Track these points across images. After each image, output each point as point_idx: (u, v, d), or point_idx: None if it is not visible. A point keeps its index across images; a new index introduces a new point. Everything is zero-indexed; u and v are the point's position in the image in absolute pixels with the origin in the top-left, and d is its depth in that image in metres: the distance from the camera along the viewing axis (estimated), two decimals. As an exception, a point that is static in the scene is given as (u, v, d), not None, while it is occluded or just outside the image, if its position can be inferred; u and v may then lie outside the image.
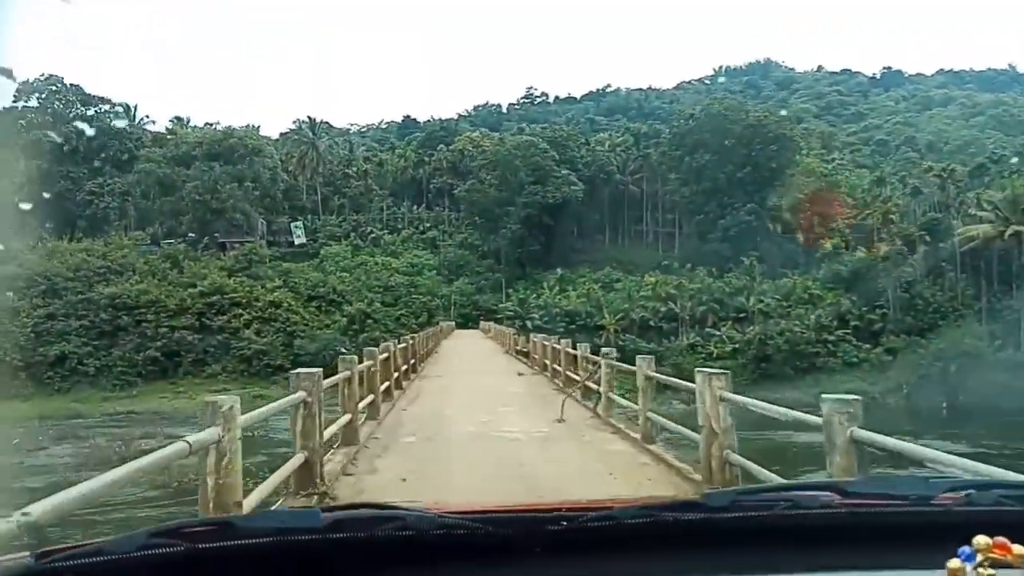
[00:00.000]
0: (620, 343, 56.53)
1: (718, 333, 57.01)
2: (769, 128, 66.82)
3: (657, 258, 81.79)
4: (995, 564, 0.97)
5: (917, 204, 59.69)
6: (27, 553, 1.10)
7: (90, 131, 65.48)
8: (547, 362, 20.21)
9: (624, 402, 11.34)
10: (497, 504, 1.35)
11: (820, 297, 56.48)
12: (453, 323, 57.72)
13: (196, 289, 57.39)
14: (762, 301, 57.31)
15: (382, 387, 13.14)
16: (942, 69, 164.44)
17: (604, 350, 13.24)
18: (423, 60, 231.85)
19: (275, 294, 59.54)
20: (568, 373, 16.58)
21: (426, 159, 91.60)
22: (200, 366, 53.96)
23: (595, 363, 13.56)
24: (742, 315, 59.00)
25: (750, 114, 68.60)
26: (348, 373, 9.28)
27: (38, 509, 2.13)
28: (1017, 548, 0.98)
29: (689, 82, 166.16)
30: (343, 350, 55.85)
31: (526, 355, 26.45)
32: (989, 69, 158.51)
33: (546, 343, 21.34)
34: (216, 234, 74.45)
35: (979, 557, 0.98)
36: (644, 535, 1.18)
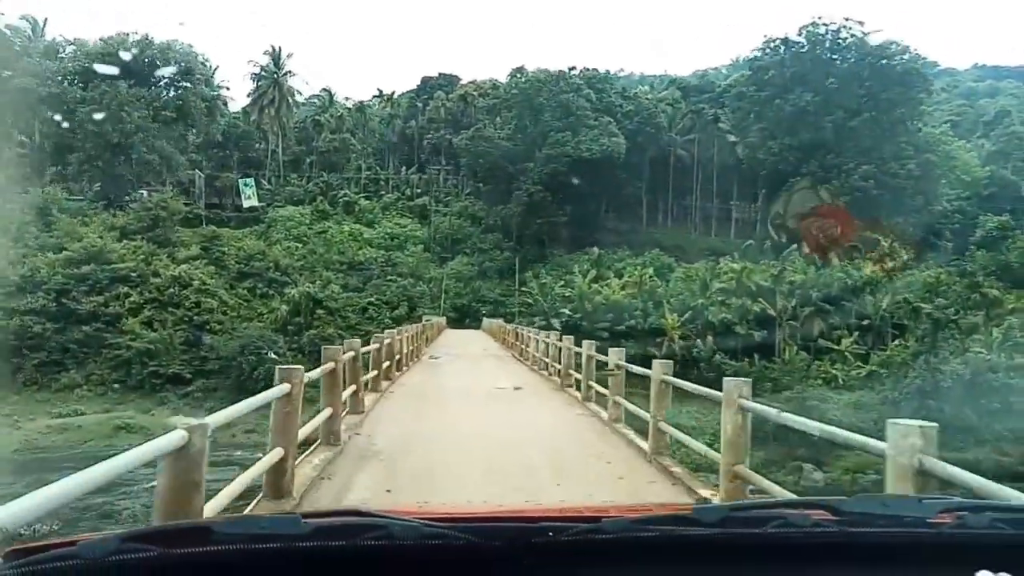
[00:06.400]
0: (691, 355, 38.29)
1: (837, 347, 38.47)
2: (894, 61, 47.87)
3: (709, 243, 63.94)
4: None
5: None
6: None
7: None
8: None
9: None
10: (484, 510, 1.27)
11: (996, 300, 37.74)
12: (443, 319, 38.94)
13: (61, 255, 38.54)
14: (907, 303, 38.67)
15: None
16: (976, 64, 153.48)
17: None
18: (425, 47, 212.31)
19: (184, 267, 40.71)
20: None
21: (419, 104, 72.37)
22: (51, 372, 35.17)
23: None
24: (864, 322, 40.60)
25: (868, 41, 49.24)
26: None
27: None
28: None
29: (705, 71, 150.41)
30: (273, 355, 37.14)
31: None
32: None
33: None
34: (140, 186, 55.54)
35: None
36: (632, 548, 1.15)
